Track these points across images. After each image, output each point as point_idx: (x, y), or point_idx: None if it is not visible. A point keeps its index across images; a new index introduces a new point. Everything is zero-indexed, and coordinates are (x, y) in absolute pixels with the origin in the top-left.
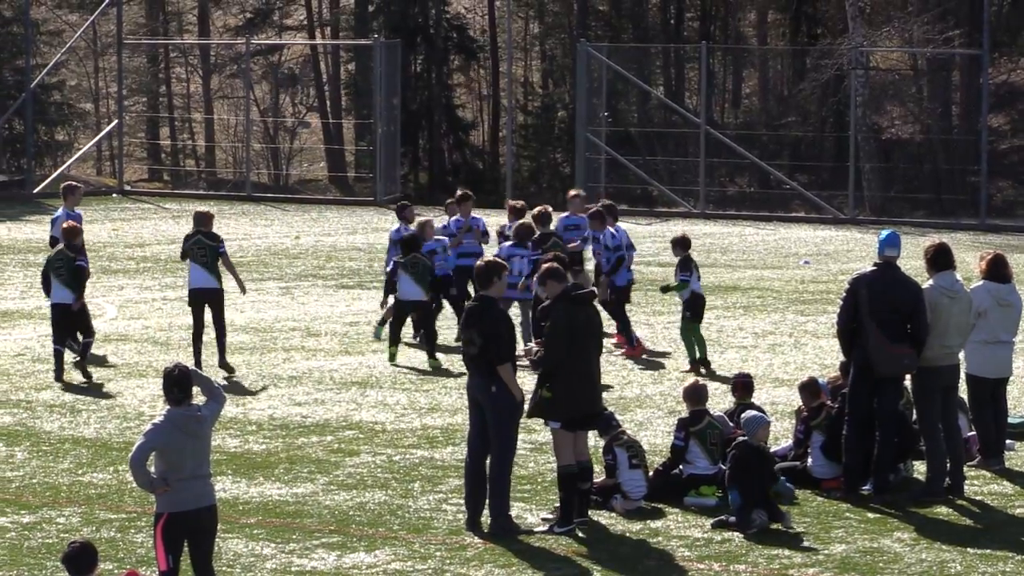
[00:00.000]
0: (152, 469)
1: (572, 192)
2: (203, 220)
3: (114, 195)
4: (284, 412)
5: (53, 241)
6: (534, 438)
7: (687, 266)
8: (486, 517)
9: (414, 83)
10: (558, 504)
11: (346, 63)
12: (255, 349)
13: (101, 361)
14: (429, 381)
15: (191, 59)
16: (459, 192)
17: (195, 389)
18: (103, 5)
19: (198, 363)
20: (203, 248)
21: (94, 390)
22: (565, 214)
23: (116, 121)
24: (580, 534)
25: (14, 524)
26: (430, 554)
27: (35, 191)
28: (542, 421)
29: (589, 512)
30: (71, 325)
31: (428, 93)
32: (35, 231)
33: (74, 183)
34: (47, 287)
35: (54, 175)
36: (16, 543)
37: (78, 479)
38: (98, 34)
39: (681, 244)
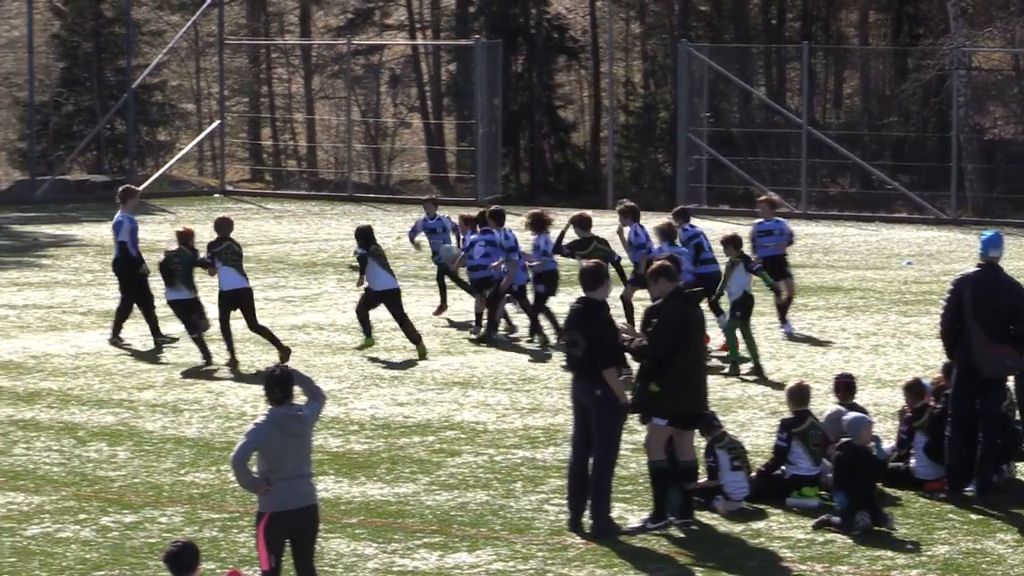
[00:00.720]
0: (254, 469)
1: (761, 197)
2: (227, 226)
3: (216, 195)
4: (386, 412)
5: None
6: (636, 439)
7: (747, 261)
8: (588, 517)
9: (515, 83)
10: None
11: (447, 63)
12: (357, 349)
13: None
14: (531, 382)
15: (292, 59)
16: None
17: (296, 389)
18: (204, 5)
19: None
20: (233, 253)
21: (197, 390)
22: (758, 220)
23: (218, 121)
24: (681, 534)
25: (116, 524)
26: (532, 554)
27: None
28: (640, 418)
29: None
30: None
31: (529, 93)
32: (142, 232)
33: (132, 186)
34: (169, 282)
35: (155, 175)
36: (118, 542)
37: (180, 479)
38: (199, 34)
39: (733, 243)
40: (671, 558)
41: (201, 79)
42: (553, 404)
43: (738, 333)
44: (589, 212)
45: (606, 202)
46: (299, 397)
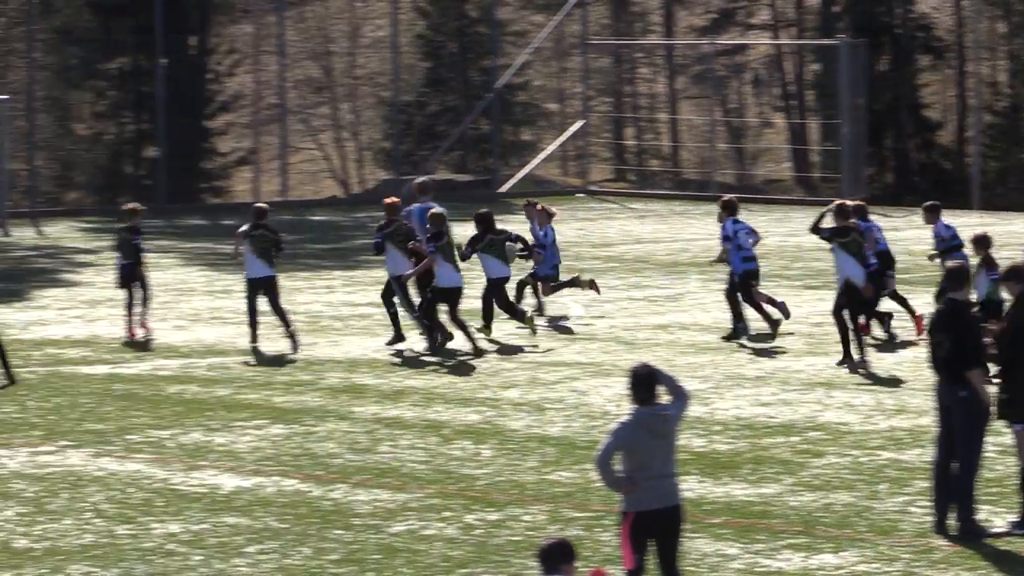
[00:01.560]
0: (618, 468)
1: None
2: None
3: (579, 195)
4: (749, 412)
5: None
6: (1001, 440)
7: (992, 265)
8: (954, 520)
9: (880, 83)
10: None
11: (811, 63)
12: (720, 349)
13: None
14: (895, 383)
15: (656, 59)
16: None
17: (660, 388)
18: (568, 6)
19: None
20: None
21: (560, 388)
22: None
23: (581, 121)
24: None
25: (481, 521)
26: (897, 556)
27: (500, 190)
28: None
29: None
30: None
31: (894, 93)
32: None
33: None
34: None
35: (519, 175)
36: (483, 540)
37: (544, 477)
38: (563, 34)
39: (982, 243)
40: None
41: (565, 79)
42: (918, 405)
43: None
44: (852, 202)
45: (971, 203)
46: (663, 397)
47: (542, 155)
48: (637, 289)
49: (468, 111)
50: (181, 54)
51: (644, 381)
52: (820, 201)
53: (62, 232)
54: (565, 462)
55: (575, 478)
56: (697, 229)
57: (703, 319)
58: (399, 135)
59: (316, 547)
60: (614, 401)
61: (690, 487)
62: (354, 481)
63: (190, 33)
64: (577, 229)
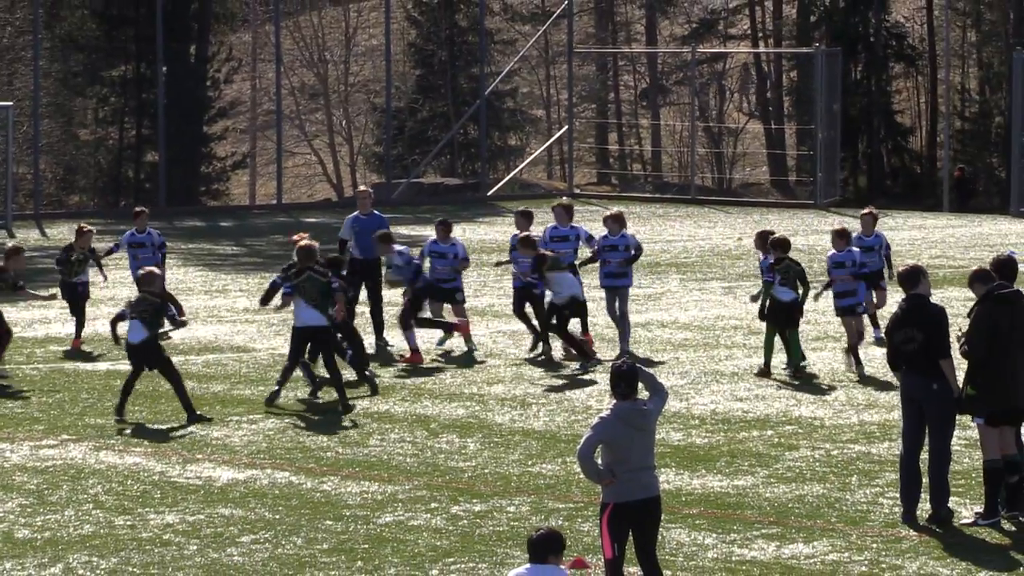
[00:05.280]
0: (599, 461)
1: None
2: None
3: (564, 198)
4: (726, 407)
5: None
6: (968, 434)
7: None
8: (921, 511)
9: (854, 90)
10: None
11: (788, 71)
12: (698, 346)
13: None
14: (865, 379)
15: (638, 67)
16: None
17: (640, 384)
18: (554, 16)
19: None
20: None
21: (544, 384)
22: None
23: (566, 127)
24: (1012, 527)
25: (466, 512)
26: (866, 546)
27: (488, 194)
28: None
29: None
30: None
31: (868, 99)
32: (488, 232)
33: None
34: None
35: (506, 179)
36: (468, 530)
37: (527, 469)
38: (549, 43)
39: (779, 245)
40: (1002, 549)
41: (550, 86)
42: (888, 400)
43: None
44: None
45: (942, 205)
46: (642, 393)
47: (528, 159)
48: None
49: (457, 117)
50: (181, 62)
51: (625, 377)
52: (797, 204)
53: (65, 234)
54: (548, 455)
55: (558, 470)
56: (676, 231)
57: (682, 317)
58: (391, 140)
59: (308, 537)
60: (595, 396)
61: (668, 479)
62: (344, 473)
63: (190, 42)
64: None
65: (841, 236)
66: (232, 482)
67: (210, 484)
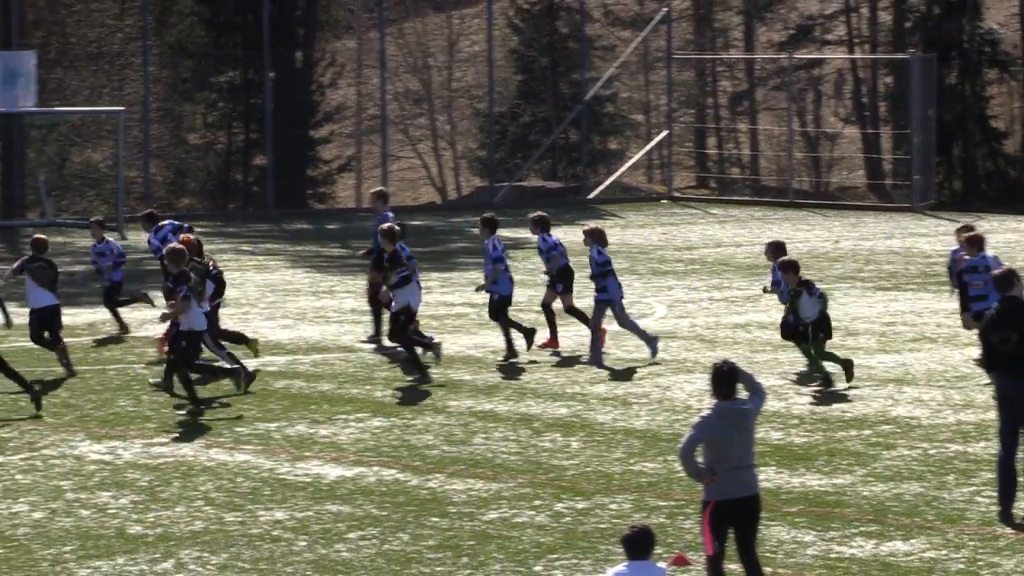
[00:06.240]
0: (699, 460)
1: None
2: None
3: (663, 201)
4: (824, 407)
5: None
6: None
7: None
8: (1017, 509)
9: (948, 95)
10: None
11: (884, 76)
12: (794, 347)
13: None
14: (963, 379)
15: (736, 72)
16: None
17: (739, 384)
18: (654, 22)
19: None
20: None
21: (645, 384)
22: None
23: (666, 131)
24: None
25: (569, 509)
26: (963, 543)
27: (589, 197)
28: None
29: None
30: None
31: (962, 104)
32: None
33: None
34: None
35: (607, 182)
36: (571, 527)
37: (629, 468)
38: (649, 49)
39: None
40: None
41: (650, 91)
42: (985, 401)
43: None
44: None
45: None
46: (742, 392)
47: (628, 163)
48: (717, 290)
49: (558, 121)
50: (288, 68)
51: (725, 377)
52: (893, 207)
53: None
54: (649, 453)
55: (659, 469)
56: (775, 234)
57: (780, 319)
58: (493, 144)
59: (414, 533)
60: (695, 396)
61: (768, 477)
62: (450, 471)
63: (296, 48)
64: (661, 233)
65: (973, 243)
66: (340, 479)
67: (318, 481)
